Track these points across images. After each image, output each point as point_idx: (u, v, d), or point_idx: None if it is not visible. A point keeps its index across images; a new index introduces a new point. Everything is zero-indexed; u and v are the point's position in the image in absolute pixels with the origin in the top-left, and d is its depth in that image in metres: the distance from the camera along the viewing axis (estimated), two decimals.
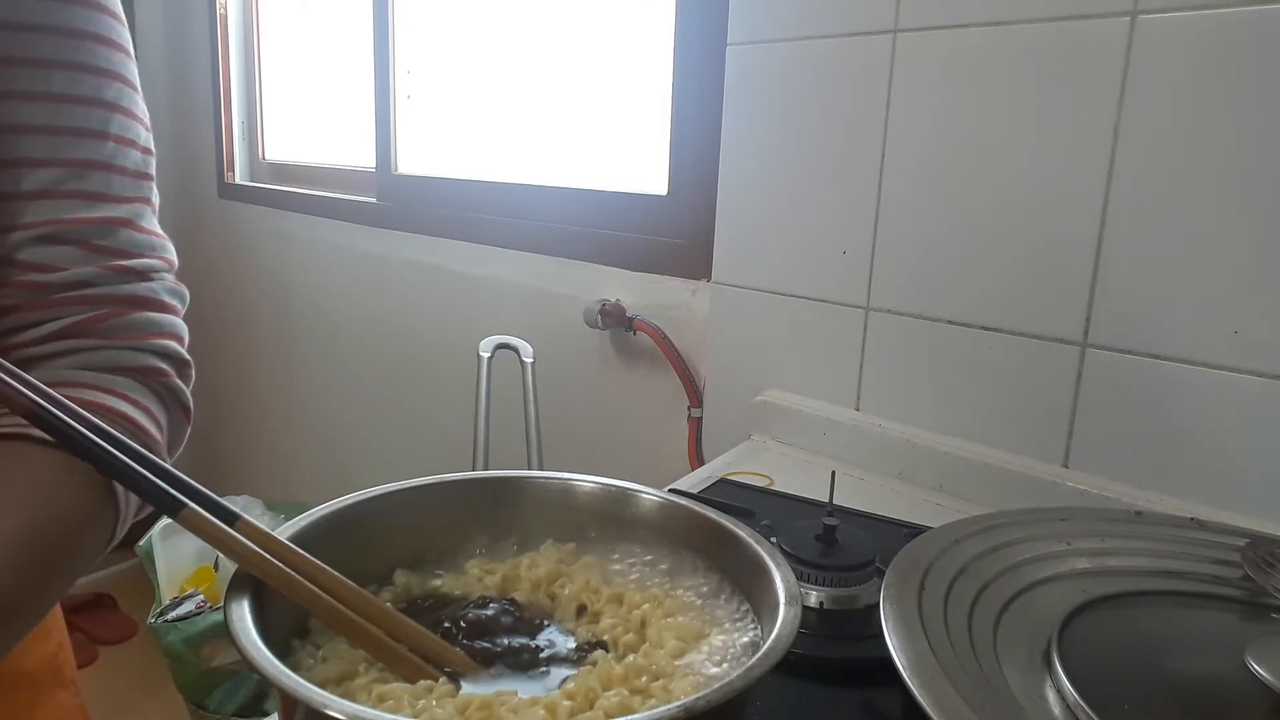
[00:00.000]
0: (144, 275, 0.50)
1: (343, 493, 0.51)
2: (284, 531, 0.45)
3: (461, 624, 0.46)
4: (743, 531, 0.49)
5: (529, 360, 1.15)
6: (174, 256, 0.54)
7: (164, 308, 0.51)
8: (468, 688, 0.41)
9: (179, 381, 0.51)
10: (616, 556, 0.52)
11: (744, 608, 0.47)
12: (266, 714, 1.62)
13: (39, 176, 0.46)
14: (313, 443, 2.04)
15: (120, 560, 2.34)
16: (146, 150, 0.53)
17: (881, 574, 0.54)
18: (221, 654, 1.61)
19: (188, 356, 0.52)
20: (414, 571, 0.51)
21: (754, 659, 0.37)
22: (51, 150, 0.47)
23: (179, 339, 0.52)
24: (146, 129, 0.54)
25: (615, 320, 1.23)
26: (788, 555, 0.59)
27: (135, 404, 0.48)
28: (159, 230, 0.53)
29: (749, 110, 1.02)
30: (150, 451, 0.44)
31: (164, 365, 0.50)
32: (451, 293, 1.56)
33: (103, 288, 0.48)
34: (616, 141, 1.37)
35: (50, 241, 0.47)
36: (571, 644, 0.46)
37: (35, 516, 0.42)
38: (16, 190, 0.46)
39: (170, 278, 0.53)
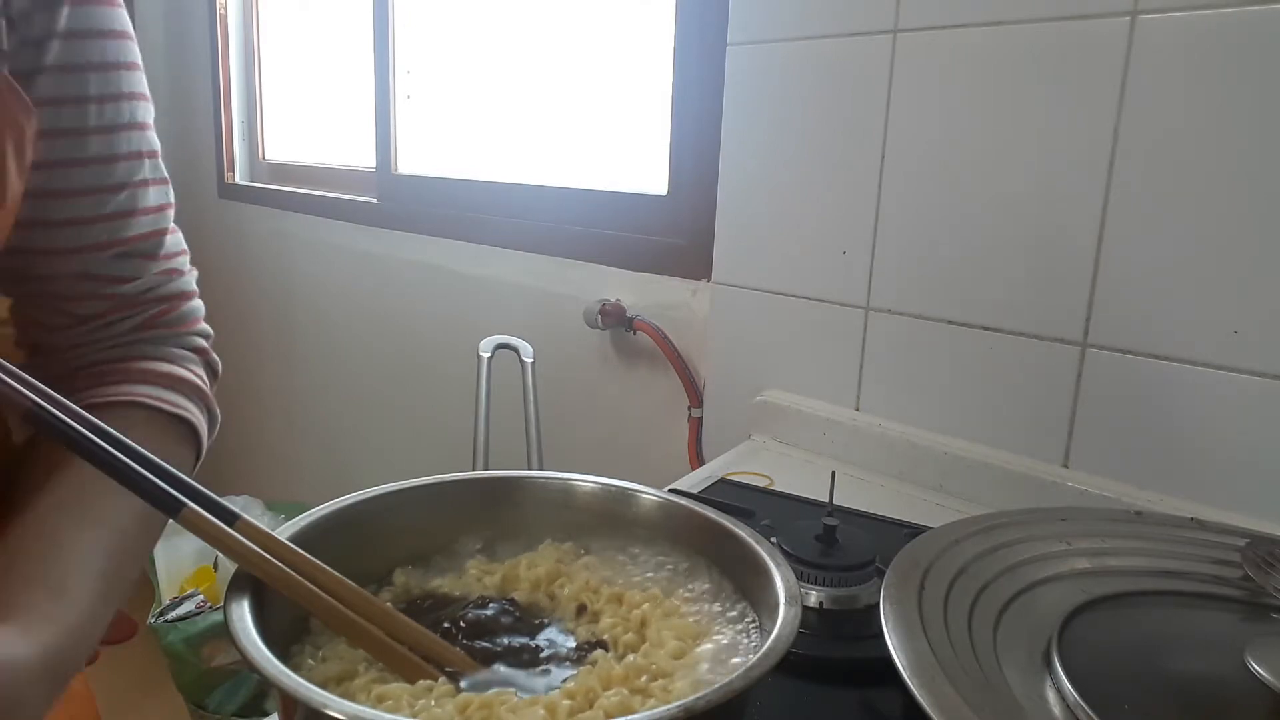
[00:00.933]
0: (182, 272, 0.60)
1: (343, 493, 0.51)
2: (284, 531, 0.45)
3: (461, 624, 0.46)
4: (743, 531, 0.49)
5: (529, 360, 1.15)
6: (186, 246, 0.62)
7: (195, 295, 0.62)
8: (468, 688, 0.41)
9: (213, 354, 0.63)
10: (617, 556, 0.52)
11: (744, 608, 0.47)
12: (266, 714, 1.62)
13: (101, 201, 0.53)
14: (313, 443, 2.04)
15: None
16: (159, 154, 0.58)
17: (881, 574, 0.54)
18: (221, 654, 1.61)
19: (211, 330, 0.63)
20: (414, 571, 0.51)
21: (754, 659, 0.38)
22: (106, 177, 0.53)
23: (204, 318, 0.63)
24: (154, 132, 0.58)
25: (615, 320, 1.23)
26: (788, 555, 0.59)
27: (199, 376, 0.60)
28: (175, 226, 0.60)
29: (749, 110, 1.02)
30: (206, 407, 0.58)
31: (205, 344, 0.62)
32: (451, 293, 1.56)
33: (162, 288, 0.58)
34: (616, 141, 1.37)
35: (123, 256, 0.55)
36: (571, 644, 0.46)
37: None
38: (82, 216, 0.53)
39: (190, 267, 0.62)
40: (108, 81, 0.52)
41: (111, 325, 0.56)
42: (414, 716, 0.38)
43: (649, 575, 0.51)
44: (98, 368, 0.55)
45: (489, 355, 1.14)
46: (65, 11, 0.49)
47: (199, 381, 0.58)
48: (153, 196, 0.56)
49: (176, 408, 0.55)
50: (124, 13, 0.53)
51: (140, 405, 0.53)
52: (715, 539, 0.50)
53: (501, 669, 0.43)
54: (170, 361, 0.57)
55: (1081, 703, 0.43)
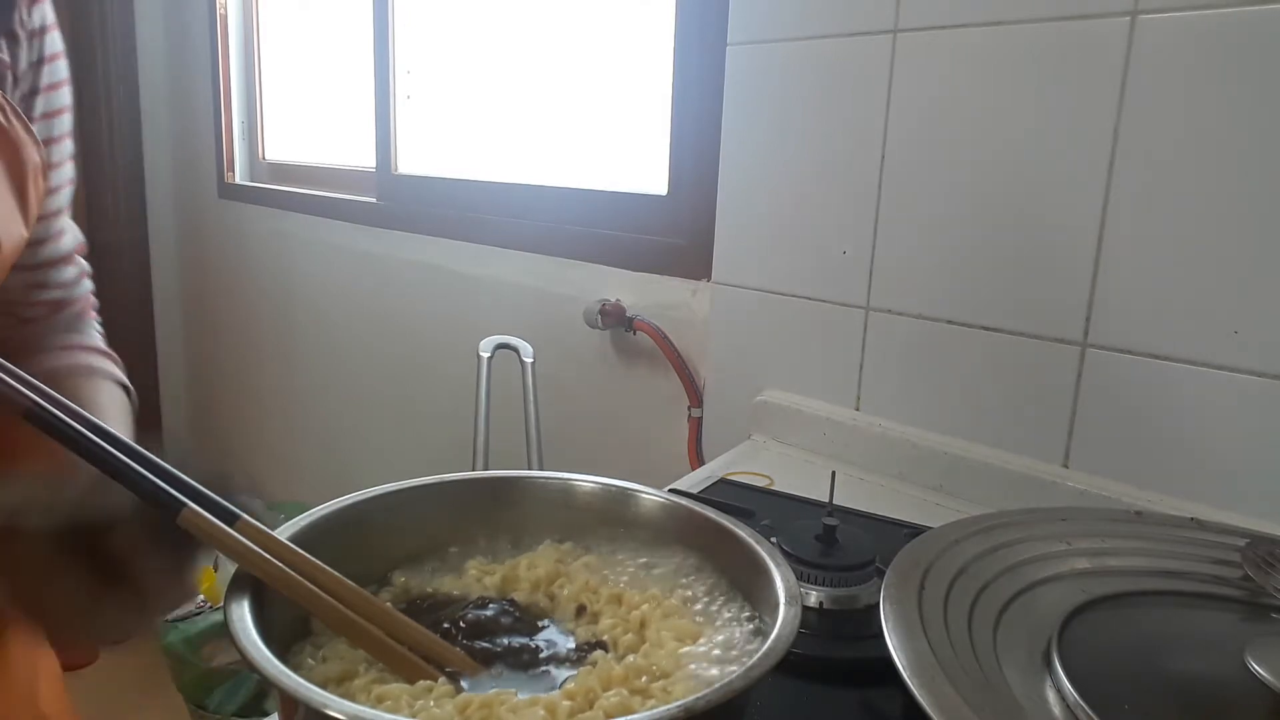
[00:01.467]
0: (87, 271, 0.70)
1: (343, 493, 0.51)
2: (284, 531, 0.46)
3: (461, 624, 0.46)
4: (743, 531, 0.49)
5: (529, 360, 1.15)
6: None
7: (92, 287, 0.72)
8: (468, 688, 0.41)
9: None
10: (616, 556, 0.52)
11: (744, 608, 0.47)
12: (266, 714, 1.62)
13: (49, 226, 0.63)
14: (313, 443, 2.04)
15: None
16: None
17: (881, 574, 0.54)
18: (221, 654, 1.61)
19: None
20: (413, 571, 0.51)
21: (754, 659, 0.38)
22: (55, 204, 0.63)
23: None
24: None
25: (615, 320, 1.23)
26: (788, 555, 0.59)
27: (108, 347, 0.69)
28: None
29: (749, 110, 1.02)
30: (123, 373, 0.65)
31: (102, 328, 0.71)
32: (451, 293, 1.56)
33: (81, 287, 0.69)
34: (616, 141, 1.37)
35: (62, 267, 0.66)
36: (571, 644, 0.46)
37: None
38: (40, 237, 0.62)
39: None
40: (62, 124, 0.62)
41: (52, 321, 0.66)
42: (414, 716, 0.38)
43: (649, 575, 0.51)
44: (49, 345, 0.65)
45: (489, 355, 1.14)
46: (45, 69, 0.59)
47: (109, 353, 0.70)
48: (68, 214, 0.66)
49: (122, 376, 0.67)
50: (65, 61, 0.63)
51: (101, 375, 0.64)
52: (715, 539, 0.50)
53: (501, 669, 0.43)
54: (97, 341, 0.69)
55: (1081, 703, 0.43)
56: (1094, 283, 0.79)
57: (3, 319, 0.64)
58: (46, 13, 0.60)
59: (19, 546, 0.39)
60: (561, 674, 0.43)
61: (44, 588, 0.40)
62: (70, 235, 0.66)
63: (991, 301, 0.86)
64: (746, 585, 0.48)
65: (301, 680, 0.35)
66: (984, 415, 0.88)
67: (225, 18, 2.10)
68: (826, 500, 0.68)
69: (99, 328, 0.71)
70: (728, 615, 0.47)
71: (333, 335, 1.88)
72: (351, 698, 0.40)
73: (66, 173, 0.63)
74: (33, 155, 0.56)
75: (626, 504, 0.54)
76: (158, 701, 1.77)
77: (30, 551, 0.39)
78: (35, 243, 0.62)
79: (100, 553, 0.40)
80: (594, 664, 0.43)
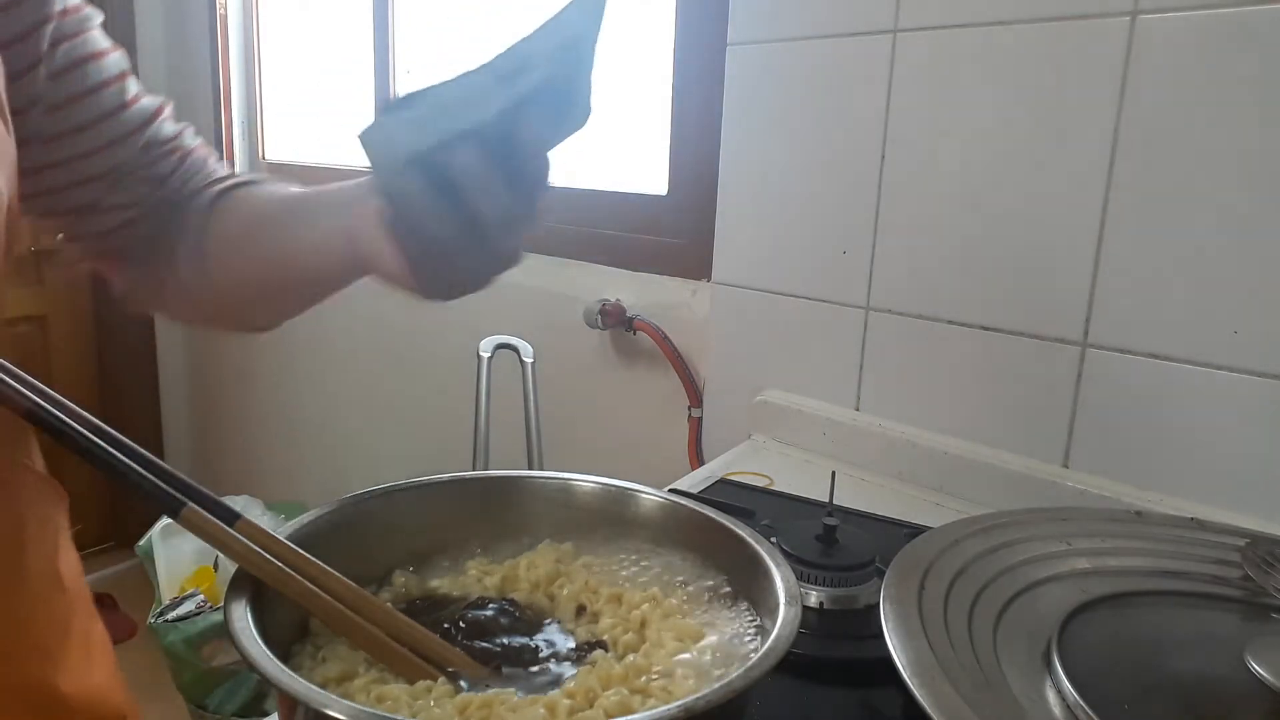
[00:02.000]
0: (190, 128, 0.68)
1: (343, 493, 0.51)
2: (284, 531, 0.46)
3: (461, 624, 0.46)
4: (743, 531, 0.49)
5: (529, 360, 1.15)
6: None
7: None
8: (468, 688, 0.41)
9: None
10: (616, 556, 0.52)
11: (744, 608, 0.47)
12: (266, 714, 1.62)
13: (123, 89, 0.61)
14: (313, 443, 2.04)
15: (120, 560, 2.34)
16: None
17: (881, 574, 0.54)
18: (221, 654, 1.61)
19: None
20: (413, 572, 0.51)
21: (754, 659, 0.38)
22: (122, 63, 0.61)
23: None
24: None
25: (615, 320, 1.23)
26: (788, 555, 0.59)
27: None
28: None
29: (749, 110, 1.02)
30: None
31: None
32: None
33: (198, 140, 0.67)
34: (616, 141, 1.37)
35: (164, 120, 0.64)
36: (571, 644, 0.46)
37: None
38: (126, 100, 0.61)
39: None
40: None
41: (182, 171, 0.63)
42: (414, 717, 0.38)
43: (649, 575, 0.51)
44: (216, 183, 0.63)
45: (489, 355, 1.14)
46: None
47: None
48: (129, 84, 0.63)
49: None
50: None
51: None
52: (715, 539, 0.50)
53: (501, 669, 0.43)
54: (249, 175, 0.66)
55: (1081, 703, 0.43)
56: (1094, 283, 0.79)
57: (143, 186, 0.61)
58: None
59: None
60: (561, 674, 0.43)
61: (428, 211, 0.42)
62: (148, 98, 0.63)
63: (991, 301, 0.86)
64: (746, 585, 0.48)
65: (301, 680, 0.35)
66: (984, 415, 0.88)
67: (225, 18, 2.09)
68: (826, 500, 0.68)
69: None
70: (728, 615, 0.47)
71: (332, 335, 1.88)
72: (351, 698, 0.40)
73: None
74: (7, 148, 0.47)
75: (626, 504, 0.54)
76: (158, 701, 1.77)
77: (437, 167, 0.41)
78: (129, 104, 0.60)
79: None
80: (594, 664, 0.43)
